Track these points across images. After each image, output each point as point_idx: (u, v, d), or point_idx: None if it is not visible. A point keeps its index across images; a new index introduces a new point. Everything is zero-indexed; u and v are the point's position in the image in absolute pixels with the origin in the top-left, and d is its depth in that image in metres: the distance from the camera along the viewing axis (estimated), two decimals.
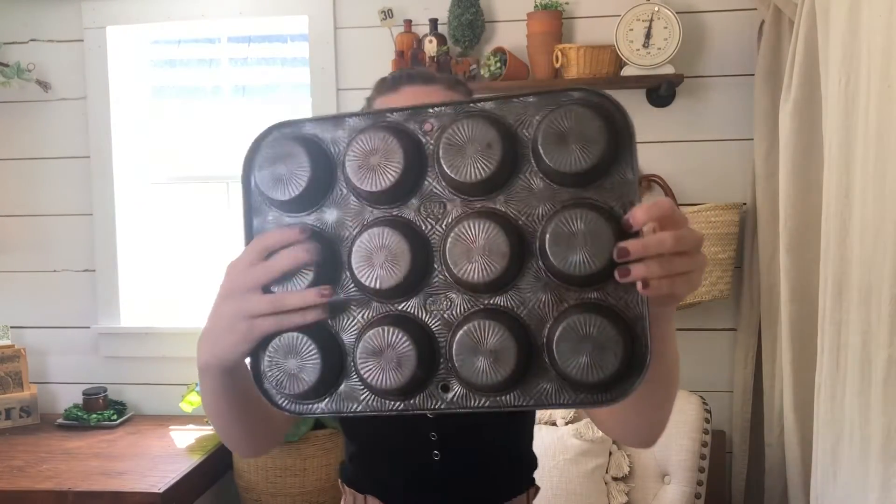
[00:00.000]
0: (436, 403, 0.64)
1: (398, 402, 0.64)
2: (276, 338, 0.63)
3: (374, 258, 0.64)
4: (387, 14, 1.96)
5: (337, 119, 0.66)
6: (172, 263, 2.29)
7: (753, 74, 1.88)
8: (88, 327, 2.20)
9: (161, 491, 1.62)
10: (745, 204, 1.95)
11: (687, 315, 1.96)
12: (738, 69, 1.95)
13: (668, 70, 1.86)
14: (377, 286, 0.63)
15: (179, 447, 1.91)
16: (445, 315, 0.64)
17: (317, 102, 2.07)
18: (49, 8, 2.17)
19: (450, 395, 0.63)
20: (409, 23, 1.98)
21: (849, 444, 1.30)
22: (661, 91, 1.94)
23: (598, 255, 0.59)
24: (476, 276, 0.62)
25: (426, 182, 0.64)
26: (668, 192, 1.94)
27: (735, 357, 1.97)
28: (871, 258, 1.24)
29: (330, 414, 0.66)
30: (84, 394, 2.12)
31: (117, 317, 2.20)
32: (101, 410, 2.10)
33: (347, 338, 0.65)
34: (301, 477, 1.88)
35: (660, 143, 1.99)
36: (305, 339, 0.63)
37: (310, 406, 0.66)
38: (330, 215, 0.66)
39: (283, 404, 0.65)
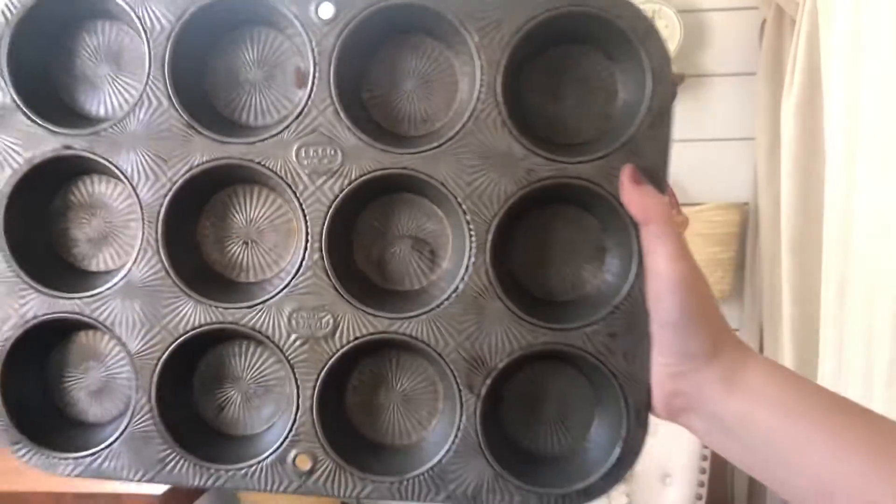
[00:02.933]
0: (285, 484, 0.42)
1: (217, 473, 0.43)
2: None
3: (213, 232, 0.44)
4: None
5: None
6: None
7: (755, 73, 1.87)
8: None
9: (160, 493, 1.61)
10: (746, 203, 1.94)
11: None
12: (740, 68, 1.94)
13: None
14: (205, 279, 0.43)
15: None
16: (318, 340, 0.42)
17: None
18: None
19: (311, 474, 0.42)
20: None
21: None
22: None
23: (584, 278, 0.43)
24: (387, 281, 0.44)
25: (308, 105, 0.42)
26: (669, 191, 1.93)
27: None
28: (873, 258, 1.23)
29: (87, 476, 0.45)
30: None
31: None
32: None
33: (141, 356, 0.43)
34: None
35: None
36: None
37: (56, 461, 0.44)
38: (123, 142, 0.42)
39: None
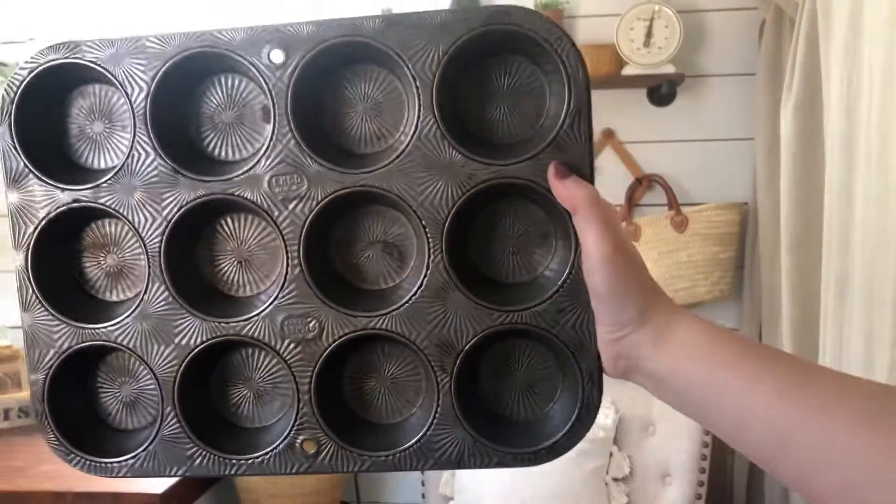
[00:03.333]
0: (296, 466, 0.49)
1: (238, 463, 0.49)
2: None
3: (209, 257, 0.51)
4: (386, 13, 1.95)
5: (135, 42, 0.47)
6: None
7: (755, 74, 1.87)
8: None
9: (160, 492, 1.62)
10: (746, 203, 1.94)
11: None
12: (740, 68, 1.94)
13: (669, 69, 1.85)
14: (207, 296, 0.50)
15: None
16: (308, 342, 0.49)
17: None
18: (48, 7, 2.16)
19: (317, 456, 0.49)
20: None
21: None
22: (661, 90, 1.93)
23: (535, 261, 0.49)
24: (365, 282, 0.50)
25: (273, 141, 0.47)
26: (668, 192, 1.93)
27: None
28: (873, 258, 1.23)
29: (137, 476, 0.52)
30: None
31: None
32: None
33: (162, 371, 0.50)
34: (301, 477, 1.87)
35: (660, 143, 1.98)
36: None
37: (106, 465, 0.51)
38: (121, 190, 0.49)
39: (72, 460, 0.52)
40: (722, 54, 1.95)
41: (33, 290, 0.50)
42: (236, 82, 0.50)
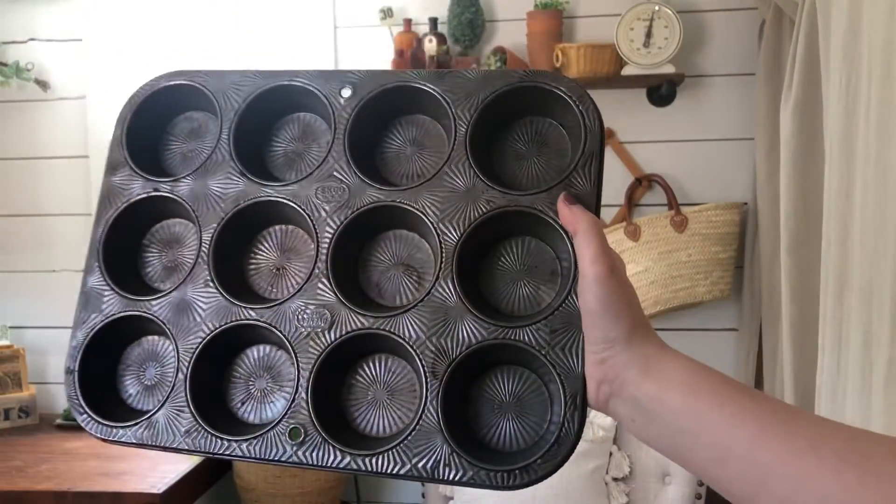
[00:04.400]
0: (280, 453, 0.51)
1: (229, 443, 0.52)
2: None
3: (250, 260, 0.57)
4: (386, 13, 1.95)
5: (237, 73, 0.59)
6: None
7: (754, 74, 1.87)
8: None
9: (160, 491, 1.62)
10: (745, 203, 1.94)
11: (687, 315, 1.95)
12: (739, 68, 1.94)
13: (669, 69, 1.85)
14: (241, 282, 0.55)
15: None
16: (318, 333, 0.52)
17: None
18: (48, 7, 2.16)
19: (301, 446, 0.51)
20: (408, 22, 1.97)
21: None
22: (661, 90, 1.93)
23: (540, 297, 0.53)
24: (383, 298, 0.54)
25: (327, 158, 0.56)
26: (668, 191, 1.93)
27: (736, 357, 1.97)
28: (872, 258, 1.23)
29: (136, 446, 0.55)
30: None
31: None
32: None
33: (184, 344, 0.55)
34: (300, 477, 1.87)
35: (660, 143, 1.99)
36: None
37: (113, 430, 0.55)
38: (198, 183, 0.57)
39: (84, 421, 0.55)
40: (722, 54, 1.95)
41: (99, 260, 0.57)
42: (313, 120, 0.59)
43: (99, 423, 0.55)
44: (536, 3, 1.92)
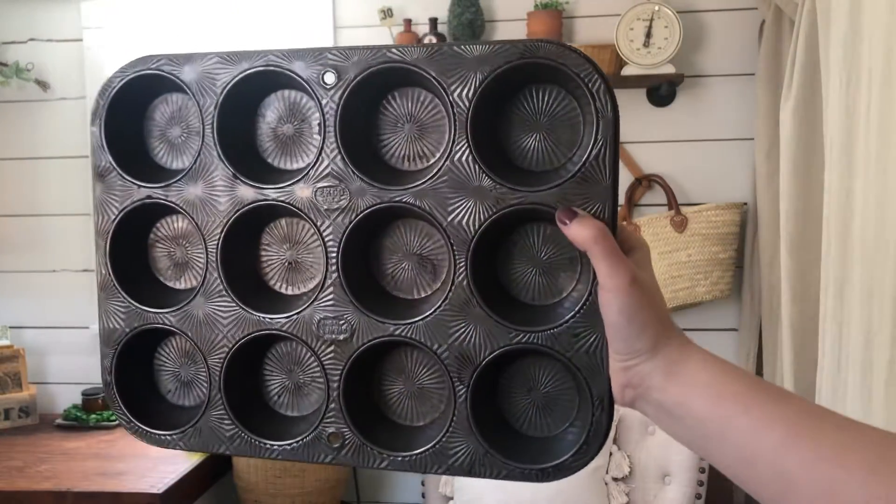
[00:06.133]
0: (322, 456, 0.53)
1: (271, 448, 0.54)
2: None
3: (261, 256, 0.56)
4: (386, 13, 1.95)
5: (203, 58, 0.53)
6: None
7: (754, 74, 1.87)
8: (87, 327, 2.19)
9: (160, 492, 1.62)
10: (745, 204, 1.94)
11: (687, 315, 1.95)
12: (739, 69, 1.94)
13: (669, 69, 1.85)
14: (252, 294, 0.54)
15: None
16: (341, 343, 0.52)
17: None
18: (48, 7, 2.16)
19: (341, 449, 0.53)
20: (408, 22, 1.97)
21: None
22: (661, 91, 1.93)
23: (561, 284, 0.51)
24: (399, 290, 0.53)
25: (321, 155, 0.51)
26: (668, 192, 1.93)
27: (736, 357, 1.97)
28: (872, 258, 1.23)
29: (187, 449, 0.58)
30: (83, 394, 2.11)
31: None
32: (100, 411, 2.10)
33: (212, 358, 0.54)
34: (300, 477, 1.87)
35: (660, 143, 1.98)
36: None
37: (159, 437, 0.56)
38: (189, 190, 0.54)
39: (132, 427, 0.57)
40: (722, 54, 1.95)
41: (109, 273, 0.56)
42: (298, 98, 0.54)
43: (151, 434, 0.56)
44: (536, 4, 1.92)
